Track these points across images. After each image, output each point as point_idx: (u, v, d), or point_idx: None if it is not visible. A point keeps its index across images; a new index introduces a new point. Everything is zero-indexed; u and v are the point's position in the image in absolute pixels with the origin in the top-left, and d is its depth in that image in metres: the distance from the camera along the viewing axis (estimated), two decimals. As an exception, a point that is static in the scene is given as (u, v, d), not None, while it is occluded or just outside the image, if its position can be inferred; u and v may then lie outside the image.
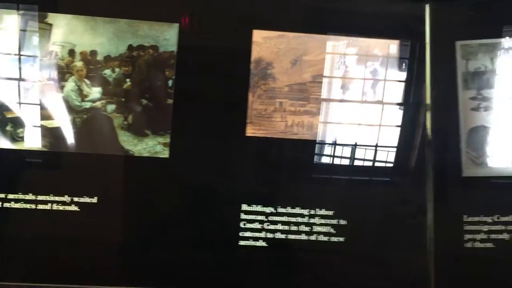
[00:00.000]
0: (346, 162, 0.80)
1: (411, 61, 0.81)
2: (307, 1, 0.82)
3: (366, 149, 0.80)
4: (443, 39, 0.81)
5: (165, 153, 0.78)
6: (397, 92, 0.81)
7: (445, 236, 0.78)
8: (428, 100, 0.80)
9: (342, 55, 0.81)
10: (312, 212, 0.78)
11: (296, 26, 0.81)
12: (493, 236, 0.77)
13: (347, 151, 0.80)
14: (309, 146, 0.79)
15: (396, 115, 0.81)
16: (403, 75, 0.81)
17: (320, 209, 0.78)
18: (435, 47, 0.81)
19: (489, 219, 0.77)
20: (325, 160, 0.80)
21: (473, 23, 0.81)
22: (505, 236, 0.76)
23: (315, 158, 0.80)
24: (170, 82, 0.79)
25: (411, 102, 0.81)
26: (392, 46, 0.81)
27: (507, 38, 0.79)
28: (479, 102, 0.79)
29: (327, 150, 0.80)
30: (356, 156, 0.80)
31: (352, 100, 0.80)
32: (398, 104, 0.81)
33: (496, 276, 0.76)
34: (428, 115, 0.80)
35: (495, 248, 0.76)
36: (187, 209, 0.78)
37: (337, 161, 0.80)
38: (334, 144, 0.79)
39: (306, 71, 0.81)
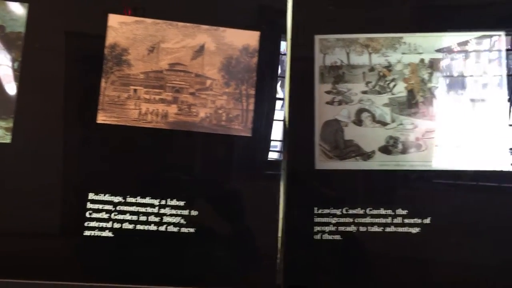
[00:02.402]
0: (202, 151, 0.79)
1: (272, 53, 0.82)
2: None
3: (223, 139, 0.79)
4: (303, 32, 0.82)
5: (7, 138, 0.74)
6: (258, 83, 0.81)
7: (296, 228, 0.78)
8: (287, 93, 0.81)
9: (201, 45, 0.80)
10: (163, 202, 0.77)
11: (155, 12, 0.79)
12: (341, 228, 0.78)
13: (202, 141, 0.79)
14: (163, 135, 0.78)
15: (257, 107, 0.81)
16: (264, 67, 0.81)
17: (172, 199, 0.77)
18: (295, 41, 0.82)
19: (338, 212, 0.78)
20: (177, 149, 0.79)
21: (332, 18, 0.82)
22: (352, 228, 0.78)
23: (168, 147, 0.78)
24: (16, 64, 0.75)
25: (270, 95, 0.81)
26: (253, 38, 0.81)
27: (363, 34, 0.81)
28: (334, 96, 0.80)
29: (181, 139, 0.79)
30: (215, 147, 0.80)
31: (210, 91, 0.80)
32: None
33: (342, 268, 0.78)
34: (286, 108, 0.80)
35: (342, 240, 0.77)
36: (30, 197, 0.75)
37: (190, 150, 0.79)
38: (189, 133, 0.78)
39: (164, 58, 0.79)
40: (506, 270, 0.76)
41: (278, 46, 0.82)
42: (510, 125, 0.78)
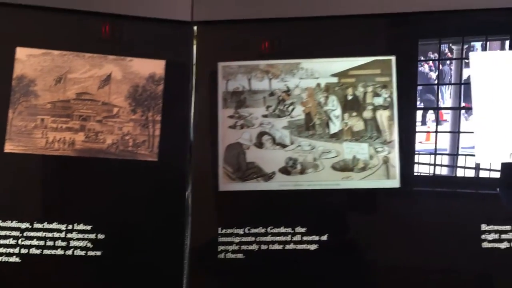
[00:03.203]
0: (109, 176, 0.83)
1: (178, 80, 0.85)
2: (74, 20, 0.84)
3: (130, 164, 0.83)
4: (207, 59, 0.86)
5: None
6: (164, 110, 0.84)
7: (201, 247, 0.81)
8: (192, 118, 0.84)
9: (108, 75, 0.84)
10: (70, 227, 0.80)
11: (62, 44, 0.83)
12: (244, 247, 0.81)
13: (109, 166, 0.82)
14: (70, 162, 0.81)
15: (163, 132, 0.84)
16: (170, 94, 0.85)
17: (79, 224, 0.80)
18: (200, 67, 0.86)
19: (241, 231, 0.81)
20: (85, 175, 0.82)
21: (234, 46, 0.86)
22: (254, 247, 0.81)
23: (75, 174, 0.81)
24: None
25: (176, 119, 0.85)
26: (159, 66, 0.85)
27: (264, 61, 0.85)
28: (236, 120, 0.84)
29: (88, 165, 0.82)
30: (122, 172, 0.83)
31: (117, 118, 0.83)
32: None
33: (245, 285, 0.81)
34: (192, 132, 0.84)
35: (245, 259, 0.81)
36: None
37: (97, 176, 0.82)
38: (96, 159, 0.82)
39: (71, 88, 0.83)
40: (401, 282, 0.80)
41: (183, 73, 0.85)
42: (389, 141, 0.82)
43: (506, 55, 0.83)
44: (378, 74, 0.83)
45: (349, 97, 0.84)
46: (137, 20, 0.85)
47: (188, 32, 0.86)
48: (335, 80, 0.84)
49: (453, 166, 0.82)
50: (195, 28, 0.86)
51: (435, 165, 0.81)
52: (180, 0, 0.85)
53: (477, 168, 0.81)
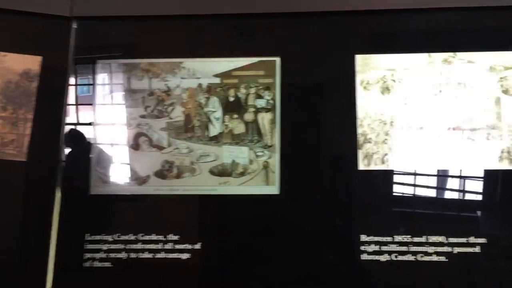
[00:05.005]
0: None
1: (54, 77, 0.81)
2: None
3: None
4: (85, 57, 0.82)
5: None
6: (37, 108, 0.80)
7: (67, 255, 0.76)
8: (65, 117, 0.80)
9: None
10: None
11: None
12: (112, 255, 0.76)
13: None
14: None
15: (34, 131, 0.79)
16: (45, 91, 0.81)
17: None
18: (78, 66, 0.82)
19: (110, 238, 0.76)
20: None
21: (114, 43, 0.83)
22: (123, 255, 0.76)
23: None
24: None
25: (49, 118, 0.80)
26: (35, 63, 0.81)
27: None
28: (113, 121, 0.80)
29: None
30: None
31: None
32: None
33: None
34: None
35: (113, 268, 0.75)
36: None
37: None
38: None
39: None
40: None
41: (60, 70, 0.81)
42: (270, 145, 0.78)
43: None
44: (261, 76, 0.80)
45: (231, 99, 0.80)
46: (13, 13, 0.81)
47: (66, 27, 0.82)
48: (217, 80, 0.80)
49: (334, 173, 0.78)
50: (74, 23, 0.82)
51: (316, 172, 0.78)
52: (59, -6, 0.82)
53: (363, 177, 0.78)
